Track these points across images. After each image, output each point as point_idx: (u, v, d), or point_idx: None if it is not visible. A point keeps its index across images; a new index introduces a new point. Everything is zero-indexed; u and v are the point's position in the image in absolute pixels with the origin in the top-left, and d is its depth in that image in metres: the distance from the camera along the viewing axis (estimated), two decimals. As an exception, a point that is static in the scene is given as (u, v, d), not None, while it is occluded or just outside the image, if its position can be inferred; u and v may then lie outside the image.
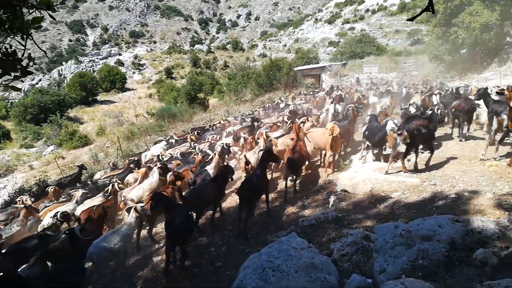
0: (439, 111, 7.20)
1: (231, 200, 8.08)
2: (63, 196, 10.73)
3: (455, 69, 25.74)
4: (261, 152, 7.00)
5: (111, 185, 8.35)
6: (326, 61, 47.93)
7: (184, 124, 25.64)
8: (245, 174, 8.07)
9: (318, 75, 36.01)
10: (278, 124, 12.11)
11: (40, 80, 68.02)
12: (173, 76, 67.52)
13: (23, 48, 2.61)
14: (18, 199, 10.59)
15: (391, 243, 3.43)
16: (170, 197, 6.75)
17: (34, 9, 2.52)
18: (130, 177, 10.23)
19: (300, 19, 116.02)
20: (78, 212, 7.83)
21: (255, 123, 13.43)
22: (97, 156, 19.91)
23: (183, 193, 6.74)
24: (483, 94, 7.92)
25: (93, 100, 49.38)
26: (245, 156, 8.63)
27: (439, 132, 9.16)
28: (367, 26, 70.95)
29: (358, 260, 3.87)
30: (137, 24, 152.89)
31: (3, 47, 2.57)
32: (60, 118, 33.23)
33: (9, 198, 14.05)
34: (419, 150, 7.19)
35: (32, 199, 10.72)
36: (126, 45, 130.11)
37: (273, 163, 8.54)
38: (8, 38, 2.59)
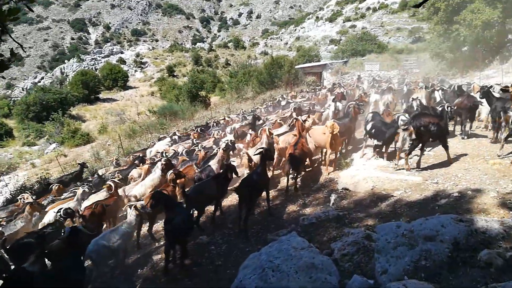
0: (449, 108, 7.06)
1: (232, 198, 8.02)
2: (66, 194, 10.74)
3: (456, 66, 25.59)
4: (260, 150, 6.94)
5: (109, 182, 8.30)
6: (327, 59, 47.84)
7: (185, 122, 25.62)
8: (248, 171, 8.01)
9: (319, 73, 35.93)
10: (279, 121, 12.04)
11: (42, 78, 68.25)
12: (175, 74, 67.47)
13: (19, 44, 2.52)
14: (20, 197, 10.58)
15: (393, 243, 3.36)
16: (171, 195, 6.72)
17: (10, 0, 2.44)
18: (134, 173, 10.26)
19: (301, 17, 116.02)
20: (83, 208, 7.84)
21: (257, 121, 13.37)
22: (98, 154, 19.94)
23: (186, 190, 6.70)
24: (487, 92, 7.84)
25: (95, 98, 49.42)
26: (247, 153, 8.57)
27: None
28: (368, 24, 70.93)
29: (359, 260, 3.81)
30: (139, 22, 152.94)
31: None
32: (62, 116, 33.28)
33: (11, 196, 14.05)
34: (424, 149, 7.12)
35: (33, 197, 10.71)
36: (128, 43, 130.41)
37: (274, 161, 8.55)
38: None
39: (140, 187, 8.50)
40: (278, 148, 8.89)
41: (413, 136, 6.54)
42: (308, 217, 5.71)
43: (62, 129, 30.75)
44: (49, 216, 7.97)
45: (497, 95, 8.23)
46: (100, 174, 12.95)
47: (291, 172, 7.92)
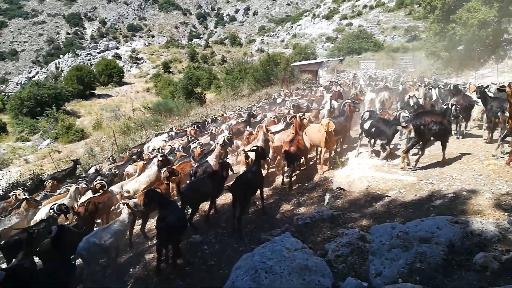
0: (453, 106, 6.98)
1: (226, 197, 7.95)
2: (59, 190, 10.66)
3: (452, 65, 25.68)
4: (255, 146, 6.88)
5: (96, 181, 8.23)
6: (323, 56, 47.85)
7: (180, 119, 25.53)
8: (245, 169, 7.95)
9: (315, 71, 35.96)
10: (273, 118, 12.03)
11: (37, 73, 67.82)
12: (171, 70, 67.17)
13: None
14: (12, 193, 10.47)
15: (388, 245, 3.32)
16: (164, 193, 6.64)
17: None
18: (130, 168, 10.19)
19: (298, 14, 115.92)
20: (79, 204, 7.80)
21: (252, 118, 13.37)
22: (92, 151, 19.79)
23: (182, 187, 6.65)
24: (484, 91, 7.81)
25: (90, 94, 49.14)
26: (243, 150, 8.51)
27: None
28: (365, 22, 71.06)
29: (353, 262, 3.76)
30: (135, 17, 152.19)
31: None
32: (56, 112, 33.03)
33: (3, 193, 13.89)
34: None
35: (25, 194, 10.59)
36: (124, 38, 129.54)
37: (269, 159, 8.50)
38: None
39: (135, 183, 8.42)
40: (273, 146, 8.83)
41: (412, 134, 6.50)
42: (302, 216, 5.65)
43: (56, 124, 30.52)
44: (41, 213, 7.89)
45: (490, 94, 8.21)
46: (97, 169, 12.90)
47: (286, 170, 7.88)
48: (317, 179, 7.84)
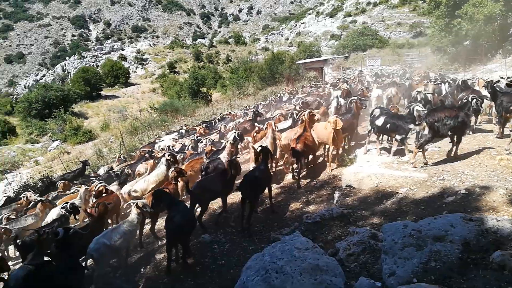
0: (474, 99, 6.81)
1: (234, 196, 7.93)
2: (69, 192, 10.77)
3: (458, 61, 25.40)
4: (263, 147, 6.86)
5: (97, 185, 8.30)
6: (328, 54, 47.65)
7: (187, 119, 25.55)
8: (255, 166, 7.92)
9: (320, 68, 35.83)
10: (278, 116, 12.00)
11: (44, 75, 68.36)
12: (176, 70, 67.31)
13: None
14: (22, 195, 10.59)
15: (401, 244, 3.26)
16: (173, 193, 6.64)
17: None
18: (140, 168, 10.22)
19: (301, 12, 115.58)
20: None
21: (258, 117, 13.36)
22: (101, 151, 19.90)
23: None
24: (494, 86, 7.67)
25: (97, 95, 49.47)
26: (253, 147, 8.48)
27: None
28: (369, 19, 70.73)
29: (366, 261, 3.72)
30: (140, 18, 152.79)
31: None
32: (64, 113, 33.27)
33: (14, 195, 14.00)
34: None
35: (36, 195, 10.71)
36: (129, 40, 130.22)
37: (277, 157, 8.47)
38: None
39: (143, 183, 8.38)
40: (281, 145, 8.79)
41: (426, 131, 6.41)
42: (311, 215, 5.61)
43: (64, 126, 30.76)
44: (53, 214, 7.97)
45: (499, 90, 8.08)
46: (108, 169, 13.05)
47: (295, 167, 7.85)
48: (326, 177, 7.79)
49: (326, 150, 8.65)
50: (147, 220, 7.10)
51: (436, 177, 5.90)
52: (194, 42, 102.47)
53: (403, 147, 7.37)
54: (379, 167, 7.00)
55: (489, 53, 23.94)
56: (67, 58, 78.90)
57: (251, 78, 34.41)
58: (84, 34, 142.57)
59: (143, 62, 73.38)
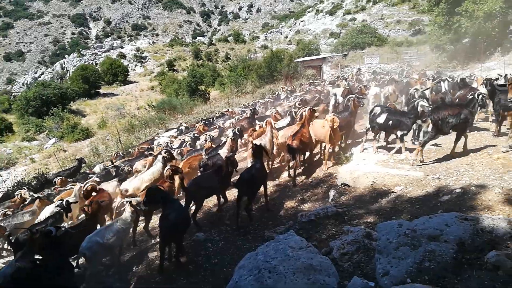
0: (480, 96, 6.68)
1: (229, 194, 7.86)
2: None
3: (457, 58, 25.35)
4: (256, 144, 6.82)
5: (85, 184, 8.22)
6: (327, 52, 47.62)
7: (184, 116, 25.46)
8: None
9: (319, 66, 35.80)
10: (274, 114, 11.96)
11: (43, 73, 68.19)
12: (175, 68, 67.18)
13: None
14: (17, 193, 10.50)
15: (395, 243, 3.20)
16: (167, 190, 6.56)
17: None
18: (138, 165, 10.11)
19: (301, 10, 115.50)
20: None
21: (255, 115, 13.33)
22: (97, 149, 19.80)
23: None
24: (493, 84, 7.62)
25: (95, 93, 49.32)
26: (252, 142, 8.42)
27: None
28: (368, 17, 70.79)
29: (359, 260, 3.66)
30: (139, 17, 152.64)
31: None
32: (62, 111, 33.15)
33: (7, 191, 13.90)
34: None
35: (30, 193, 10.61)
36: (129, 38, 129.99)
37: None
38: None
39: (137, 181, 8.23)
40: (278, 144, 8.72)
41: (429, 128, 6.35)
42: (306, 213, 5.55)
43: (61, 124, 30.65)
44: (46, 212, 7.88)
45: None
46: (104, 166, 12.99)
47: (291, 165, 7.80)
48: (322, 175, 7.72)
49: (323, 148, 8.59)
50: (141, 218, 7.03)
51: (432, 176, 5.85)
52: (193, 40, 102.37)
53: (400, 144, 7.32)
54: (375, 165, 6.95)
55: (487, 51, 23.88)
56: (66, 56, 78.70)
57: (250, 76, 34.33)
58: (84, 32, 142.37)
59: (142, 60, 73.17)
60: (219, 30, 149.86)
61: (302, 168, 8.43)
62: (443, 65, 25.60)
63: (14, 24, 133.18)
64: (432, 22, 28.47)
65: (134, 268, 5.74)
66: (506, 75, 8.32)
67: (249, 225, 6.04)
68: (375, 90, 12.33)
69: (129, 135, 22.26)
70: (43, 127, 32.88)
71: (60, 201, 7.37)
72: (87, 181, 8.55)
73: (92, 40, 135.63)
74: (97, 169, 13.36)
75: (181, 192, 7.67)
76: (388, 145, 8.40)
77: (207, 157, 8.49)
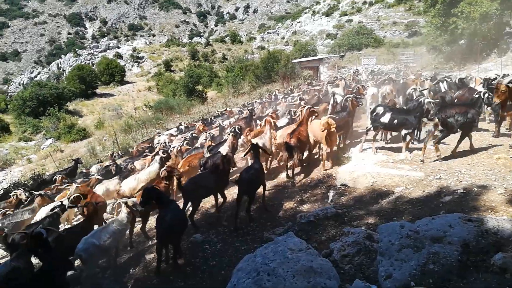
0: (486, 94, 6.62)
1: (227, 195, 7.78)
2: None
3: (453, 60, 25.42)
4: (253, 144, 6.78)
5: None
6: (324, 53, 47.66)
7: (181, 117, 25.38)
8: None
9: (316, 67, 35.83)
10: (271, 114, 11.90)
11: (39, 73, 67.75)
12: (172, 69, 66.96)
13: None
14: (12, 193, 10.42)
15: (398, 245, 3.13)
16: (164, 191, 6.47)
17: None
18: (136, 164, 10.04)
19: (297, 11, 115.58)
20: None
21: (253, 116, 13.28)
22: (94, 150, 19.69)
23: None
24: (491, 84, 7.60)
25: (92, 93, 49.06)
26: (251, 142, 8.35)
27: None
28: (365, 18, 70.95)
29: (361, 262, 3.59)
30: (136, 17, 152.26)
31: None
32: (58, 111, 32.98)
33: (2, 190, 13.78)
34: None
35: (26, 193, 10.51)
36: (125, 38, 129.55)
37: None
38: None
39: (133, 181, 8.16)
40: (276, 144, 8.66)
41: (440, 128, 6.30)
42: (305, 214, 5.48)
43: (58, 124, 30.49)
44: (41, 213, 7.78)
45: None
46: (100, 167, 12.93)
47: (289, 165, 7.76)
48: (321, 176, 7.65)
49: (320, 148, 8.53)
50: (138, 219, 6.93)
51: (433, 176, 5.80)
52: (190, 40, 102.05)
53: (402, 144, 7.28)
54: (375, 165, 6.89)
55: (484, 52, 23.94)
56: (62, 56, 78.25)
57: (247, 77, 34.29)
58: (80, 32, 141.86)
59: (139, 60, 72.86)
60: (216, 30, 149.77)
61: (300, 168, 8.36)
62: (440, 66, 25.67)
63: (9, 24, 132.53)
64: (428, 24, 28.57)
65: (131, 270, 5.65)
66: (504, 75, 8.31)
67: (247, 226, 5.97)
68: (373, 90, 12.28)
69: (126, 136, 22.18)
70: (40, 128, 32.71)
71: (61, 202, 7.30)
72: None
73: (88, 40, 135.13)
74: (93, 169, 13.26)
75: (180, 194, 7.59)
76: (388, 145, 8.35)
77: (208, 155, 8.41)
